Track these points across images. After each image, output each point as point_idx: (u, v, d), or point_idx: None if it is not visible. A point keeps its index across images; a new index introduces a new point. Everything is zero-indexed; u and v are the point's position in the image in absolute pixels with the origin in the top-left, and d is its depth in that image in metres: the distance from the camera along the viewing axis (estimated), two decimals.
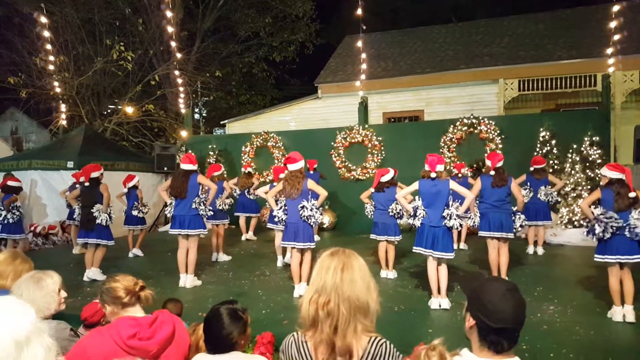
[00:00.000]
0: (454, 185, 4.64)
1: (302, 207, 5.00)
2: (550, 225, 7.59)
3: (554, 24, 13.89)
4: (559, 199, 7.79)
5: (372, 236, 5.98)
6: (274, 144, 10.93)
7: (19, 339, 1.04)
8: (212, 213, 6.02)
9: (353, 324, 1.46)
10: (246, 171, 9.00)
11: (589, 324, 4.10)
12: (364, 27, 10.38)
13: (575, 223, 7.95)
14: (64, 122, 12.83)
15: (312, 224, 5.08)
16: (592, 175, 8.03)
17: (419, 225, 4.72)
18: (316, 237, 8.19)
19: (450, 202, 4.66)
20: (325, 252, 1.60)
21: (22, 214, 7.32)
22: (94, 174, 6.10)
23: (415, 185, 4.78)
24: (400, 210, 5.66)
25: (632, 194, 4.18)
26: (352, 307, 1.46)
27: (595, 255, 4.34)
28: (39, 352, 1.07)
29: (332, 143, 10.29)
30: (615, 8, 9.01)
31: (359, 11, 10.02)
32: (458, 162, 8.60)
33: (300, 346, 1.54)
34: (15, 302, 1.14)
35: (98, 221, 5.95)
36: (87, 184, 6.10)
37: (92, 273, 5.97)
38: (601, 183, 4.60)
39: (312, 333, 1.50)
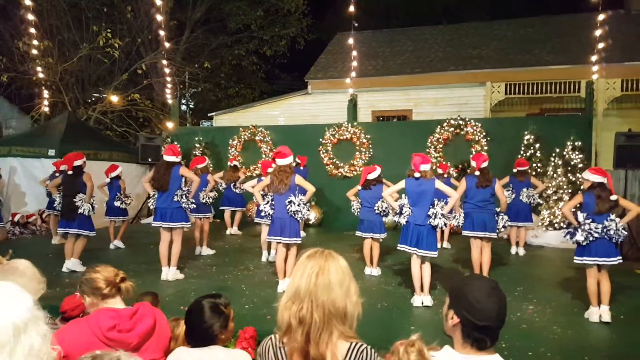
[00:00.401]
0: (439, 184, 4.69)
1: (290, 202, 4.99)
2: (531, 227, 7.74)
3: (542, 29, 14.10)
4: (540, 201, 7.96)
5: (358, 233, 6.01)
6: (262, 138, 10.86)
7: (18, 324, 1.03)
8: (194, 206, 5.94)
9: (327, 332, 1.40)
10: (232, 165, 8.92)
11: (567, 323, 4.21)
12: (356, 25, 10.37)
13: (556, 225, 8.11)
14: (47, 109, 12.51)
15: (299, 219, 5.07)
16: (574, 179, 8.21)
17: (405, 223, 4.75)
18: (302, 233, 8.17)
19: (436, 202, 4.71)
20: (305, 253, 1.54)
21: (1, 202, 7.12)
22: (77, 162, 5.97)
23: (401, 184, 4.82)
24: (386, 208, 5.70)
25: (613, 197, 4.28)
26: (326, 314, 1.40)
27: (575, 257, 4.45)
28: (35, 339, 1.06)
29: (321, 139, 10.27)
30: (600, 17, 9.19)
31: (351, 8, 9.99)
32: (443, 163, 8.69)
33: (277, 351, 1.51)
34: (12, 287, 1.12)
35: (80, 211, 5.83)
36: (70, 172, 5.96)
37: (72, 264, 5.86)
38: (582, 187, 4.70)
39: (287, 339, 1.46)
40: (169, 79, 12.08)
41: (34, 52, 11.55)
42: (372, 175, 5.86)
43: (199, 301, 1.96)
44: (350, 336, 1.45)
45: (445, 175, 7.63)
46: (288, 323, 1.43)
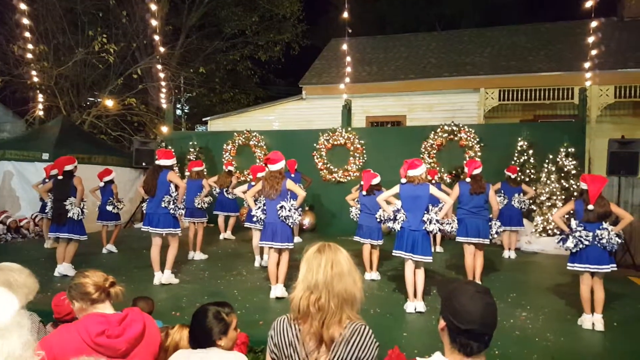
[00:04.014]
0: (433, 190, 4.69)
1: (281, 207, 4.98)
2: (522, 231, 7.83)
3: (535, 36, 14.25)
4: (534, 207, 8.02)
5: (356, 238, 5.99)
6: (256, 143, 10.86)
7: None
8: (183, 212, 5.82)
9: (338, 316, 1.60)
10: (227, 170, 8.90)
11: (560, 330, 4.21)
12: (350, 31, 10.42)
13: (550, 231, 8.15)
14: (41, 113, 12.45)
15: (290, 224, 5.06)
16: (567, 185, 8.26)
17: (399, 229, 4.75)
18: (297, 239, 8.15)
19: (430, 207, 4.71)
20: (312, 248, 1.70)
21: None
22: (68, 167, 5.93)
23: (395, 189, 4.83)
24: (387, 214, 5.69)
25: (590, 207, 4.22)
26: (340, 301, 1.60)
27: (568, 264, 4.46)
28: (16, 346, 1.04)
29: (315, 144, 10.29)
30: (593, 24, 9.30)
31: (346, 15, 10.06)
32: (432, 169, 8.70)
33: (292, 327, 1.66)
34: (1, 291, 1.11)
35: (70, 215, 5.79)
36: (60, 177, 5.92)
37: (64, 268, 5.80)
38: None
39: (303, 323, 1.63)
40: (163, 83, 12.07)
41: (29, 56, 11.50)
42: (375, 181, 5.86)
43: (205, 306, 2.08)
44: (354, 318, 1.64)
45: (433, 182, 7.66)
46: (306, 311, 1.60)
